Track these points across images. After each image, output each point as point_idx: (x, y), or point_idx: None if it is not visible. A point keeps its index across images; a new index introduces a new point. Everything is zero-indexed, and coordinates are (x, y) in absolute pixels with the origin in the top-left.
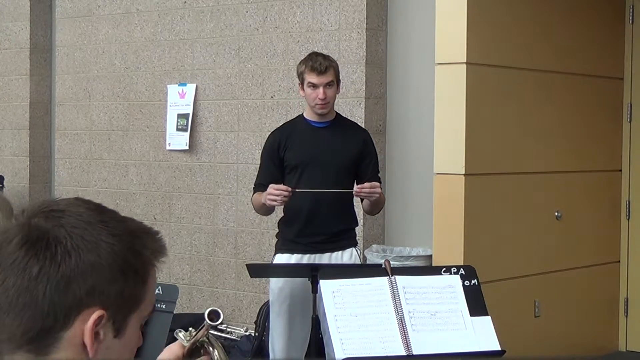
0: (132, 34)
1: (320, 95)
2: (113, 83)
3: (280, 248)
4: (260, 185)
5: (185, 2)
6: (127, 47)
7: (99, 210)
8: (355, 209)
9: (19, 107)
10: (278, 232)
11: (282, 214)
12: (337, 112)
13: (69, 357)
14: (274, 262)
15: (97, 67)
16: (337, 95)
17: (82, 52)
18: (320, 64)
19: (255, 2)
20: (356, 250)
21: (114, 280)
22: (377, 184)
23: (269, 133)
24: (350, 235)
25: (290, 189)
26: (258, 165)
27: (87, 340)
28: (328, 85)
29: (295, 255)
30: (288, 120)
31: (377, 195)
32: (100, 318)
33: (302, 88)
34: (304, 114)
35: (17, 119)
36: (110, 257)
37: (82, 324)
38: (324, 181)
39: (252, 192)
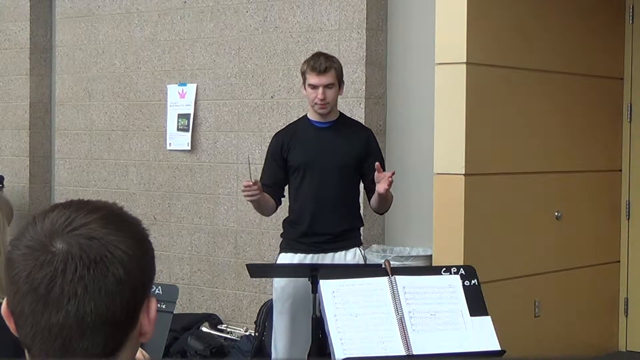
0: (132, 34)
1: (319, 96)
2: (113, 83)
3: (284, 248)
4: (263, 186)
5: (185, 2)
6: (127, 47)
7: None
8: (361, 210)
9: (19, 107)
10: (282, 232)
11: (287, 214)
12: (340, 112)
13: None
14: (278, 261)
15: (97, 67)
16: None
17: (82, 52)
18: (320, 64)
19: (255, 2)
20: (360, 250)
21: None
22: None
23: (271, 133)
24: (354, 235)
25: (253, 182)
26: (258, 165)
27: (149, 327)
28: (328, 86)
29: (298, 254)
30: (290, 121)
31: (390, 184)
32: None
33: (305, 87)
34: (308, 115)
35: (17, 119)
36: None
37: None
38: (327, 181)
39: None
